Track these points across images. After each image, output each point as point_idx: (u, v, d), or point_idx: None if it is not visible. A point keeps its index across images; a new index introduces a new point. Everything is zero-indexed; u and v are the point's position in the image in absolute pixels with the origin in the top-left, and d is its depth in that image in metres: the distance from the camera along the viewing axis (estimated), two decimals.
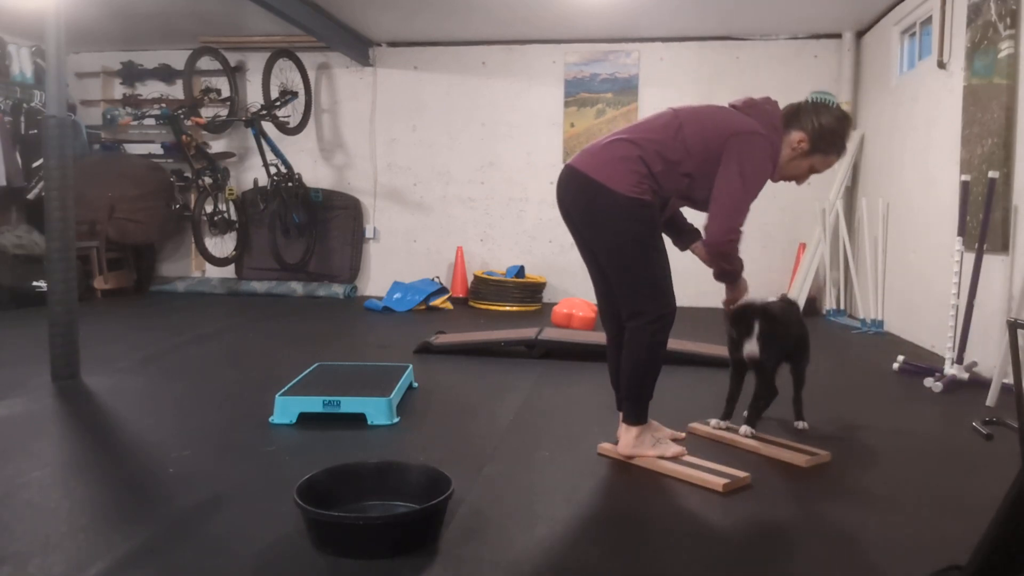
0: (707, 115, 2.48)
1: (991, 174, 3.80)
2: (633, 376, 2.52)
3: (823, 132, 2.43)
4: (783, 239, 6.66)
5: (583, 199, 2.47)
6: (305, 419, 2.95)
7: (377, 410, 2.95)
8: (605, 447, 2.65)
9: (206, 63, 7.01)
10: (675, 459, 2.51)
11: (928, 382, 3.69)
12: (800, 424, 2.96)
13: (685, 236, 2.69)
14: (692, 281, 6.80)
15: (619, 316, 2.55)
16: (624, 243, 2.44)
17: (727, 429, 2.85)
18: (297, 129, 6.99)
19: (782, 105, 2.54)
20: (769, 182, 2.47)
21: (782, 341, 2.77)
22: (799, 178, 2.57)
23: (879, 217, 5.46)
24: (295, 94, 6.90)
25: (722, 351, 4.30)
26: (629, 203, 2.39)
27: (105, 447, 2.74)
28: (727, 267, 2.55)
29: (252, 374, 3.88)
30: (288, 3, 5.44)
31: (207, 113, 7.12)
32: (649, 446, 2.54)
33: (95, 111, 7.52)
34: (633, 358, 2.51)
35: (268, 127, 6.72)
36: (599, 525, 2.10)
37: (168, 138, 7.23)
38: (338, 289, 6.94)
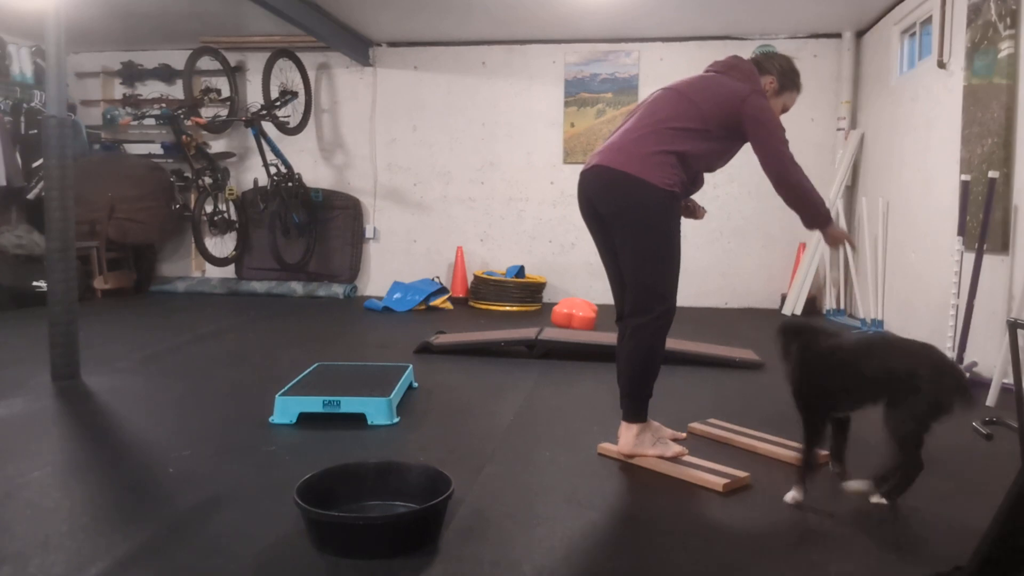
0: (708, 86, 2.58)
1: (991, 174, 3.80)
2: (634, 374, 2.53)
3: (785, 71, 2.69)
4: (783, 239, 6.65)
5: (617, 193, 2.49)
6: (305, 419, 2.95)
7: (377, 410, 2.95)
8: (605, 447, 2.65)
9: (206, 63, 7.00)
10: (675, 459, 2.51)
11: None
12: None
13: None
14: (693, 281, 6.87)
15: None
16: (653, 236, 2.47)
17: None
18: (297, 129, 6.99)
19: None
20: None
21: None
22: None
23: (879, 217, 5.46)
24: (295, 94, 6.89)
25: (720, 351, 4.34)
26: (663, 196, 2.45)
27: (105, 447, 2.74)
28: (809, 202, 2.50)
29: (252, 374, 3.88)
30: (288, 3, 5.44)
31: (207, 113, 7.11)
32: (650, 445, 2.54)
33: (95, 111, 7.51)
34: (635, 356, 2.52)
35: (268, 127, 6.72)
36: (599, 525, 2.09)
37: (168, 138, 7.22)
38: (338, 289, 6.94)
